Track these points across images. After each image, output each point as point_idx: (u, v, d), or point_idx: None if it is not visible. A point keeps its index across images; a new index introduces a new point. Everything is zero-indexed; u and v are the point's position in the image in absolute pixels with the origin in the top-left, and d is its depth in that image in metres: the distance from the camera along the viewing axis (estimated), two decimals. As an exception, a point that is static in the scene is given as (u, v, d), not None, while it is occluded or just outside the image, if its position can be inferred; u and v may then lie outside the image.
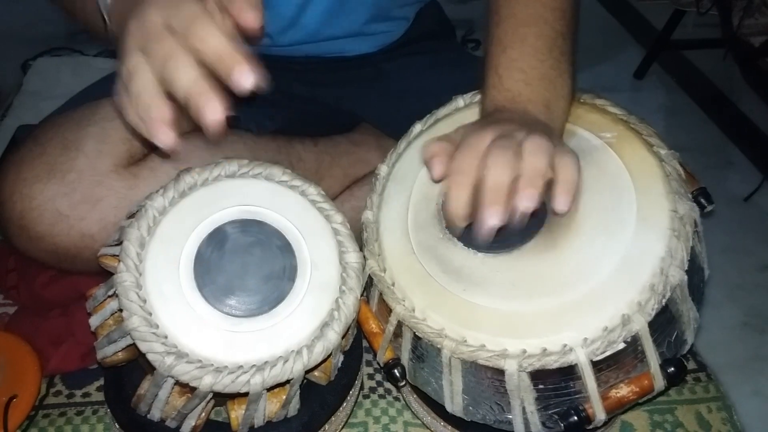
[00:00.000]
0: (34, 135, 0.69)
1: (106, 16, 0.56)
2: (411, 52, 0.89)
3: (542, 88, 0.58)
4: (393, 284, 0.57)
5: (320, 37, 0.82)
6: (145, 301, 0.52)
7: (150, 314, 0.52)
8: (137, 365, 0.57)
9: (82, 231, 0.66)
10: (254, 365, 0.52)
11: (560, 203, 0.50)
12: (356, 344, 0.66)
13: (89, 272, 0.68)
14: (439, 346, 0.53)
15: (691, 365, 0.79)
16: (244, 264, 0.56)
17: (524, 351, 0.50)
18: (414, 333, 0.55)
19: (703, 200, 0.57)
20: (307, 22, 0.80)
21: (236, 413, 0.57)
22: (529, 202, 0.48)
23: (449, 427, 0.64)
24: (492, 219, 0.49)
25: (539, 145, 0.50)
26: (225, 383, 0.51)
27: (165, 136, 0.46)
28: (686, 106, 1.60)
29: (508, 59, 0.59)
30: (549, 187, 0.53)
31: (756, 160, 1.41)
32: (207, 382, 0.50)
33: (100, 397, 0.74)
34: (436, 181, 0.55)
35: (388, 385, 0.76)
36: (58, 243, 0.66)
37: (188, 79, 0.45)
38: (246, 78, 0.45)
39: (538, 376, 0.51)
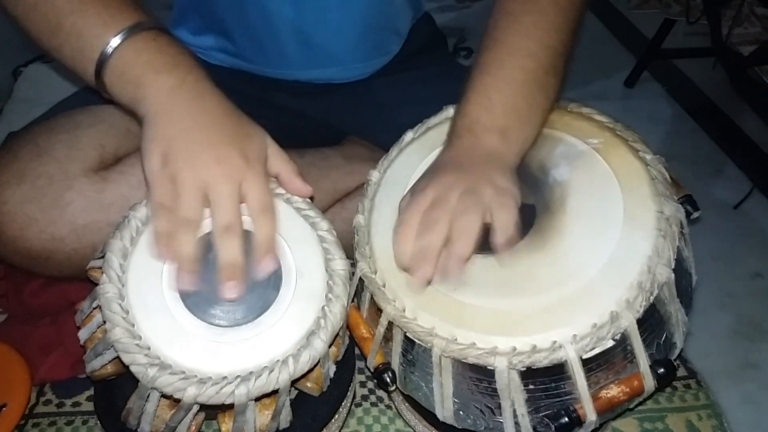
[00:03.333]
0: (8, 144, 0.70)
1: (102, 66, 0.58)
2: (402, 68, 0.90)
3: (503, 115, 0.58)
4: (384, 285, 0.57)
5: (311, 66, 0.83)
6: (127, 312, 0.52)
7: (133, 325, 0.52)
8: (127, 378, 0.57)
9: (53, 234, 0.66)
10: (239, 376, 0.51)
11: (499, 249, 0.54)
12: (348, 355, 0.65)
13: (62, 275, 0.70)
14: (429, 345, 0.53)
15: (681, 372, 0.79)
16: None
17: (514, 348, 0.51)
18: (404, 335, 0.55)
19: (689, 207, 0.58)
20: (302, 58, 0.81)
21: (227, 426, 0.56)
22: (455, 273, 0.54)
23: (442, 436, 0.64)
24: (421, 276, 0.54)
25: (466, 227, 0.53)
26: (209, 394, 0.50)
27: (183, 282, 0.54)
28: (676, 114, 1.61)
29: (480, 84, 0.60)
30: (539, 189, 0.55)
31: (746, 169, 1.41)
32: (191, 393, 0.50)
33: (90, 406, 0.73)
34: None
35: (380, 392, 0.75)
36: (29, 246, 0.66)
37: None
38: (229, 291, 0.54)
39: (528, 375, 0.52)
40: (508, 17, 0.63)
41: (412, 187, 0.60)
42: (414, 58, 0.91)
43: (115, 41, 0.57)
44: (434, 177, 0.57)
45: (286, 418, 0.58)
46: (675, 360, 0.56)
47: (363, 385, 0.76)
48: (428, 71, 0.90)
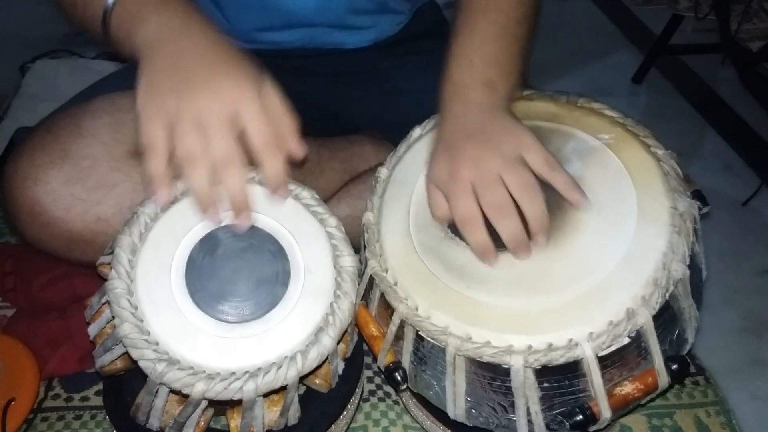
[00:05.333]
0: (45, 125, 0.69)
1: (107, 20, 0.60)
2: (407, 51, 0.90)
3: (485, 70, 0.61)
4: (395, 284, 0.57)
5: (313, 23, 0.83)
6: (136, 307, 0.52)
7: (141, 321, 0.52)
8: (136, 374, 0.57)
9: (98, 215, 0.66)
10: (247, 371, 0.51)
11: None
12: (357, 352, 0.66)
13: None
14: (443, 344, 0.53)
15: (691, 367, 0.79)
16: (236, 269, 0.55)
17: (530, 346, 0.51)
18: (416, 334, 0.55)
19: (698, 202, 0.57)
20: (298, 6, 0.80)
21: (236, 422, 0.56)
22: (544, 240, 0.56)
23: (448, 431, 0.64)
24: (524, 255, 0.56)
25: (525, 184, 0.55)
26: (217, 390, 0.50)
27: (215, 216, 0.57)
28: (684, 110, 1.60)
29: (457, 47, 0.63)
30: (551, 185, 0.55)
31: (754, 165, 1.41)
32: (199, 389, 0.50)
33: (98, 401, 0.74)
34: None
35: (387, 388, 0.76)
36: (72, 228, 0.66)
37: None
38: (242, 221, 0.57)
39: (543, 373, 0.52)
40: None
41: (429, 175, 0.60)
42: (419, 42, 0.91)
43: None
44: (455, 156, 0.58)
45: (294, 414, 0.58)
46: (686, 353, 0.56)
47: (370, 380, 0.77)
48: (433, 57, 0.89)
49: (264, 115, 0.56)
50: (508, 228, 0.55)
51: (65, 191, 0.65)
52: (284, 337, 0.54)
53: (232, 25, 0.84)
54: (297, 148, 0.58)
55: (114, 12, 0.59)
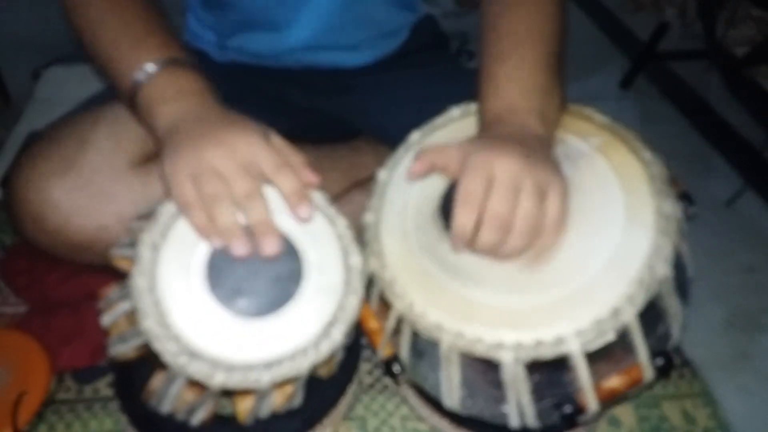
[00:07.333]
0: (48, 133, 0.71)
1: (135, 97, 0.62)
2: (407, 64, 0.92)
3: (537, 98, 0.61)
4: (393, 282, 0.59)
5: (315, 46, 0.85)
6: (158, 303, 0.54)
7: (163, 316, 0.54)
8: (146, 361, 0.59)
9: (99, 224, 0.67)
10: (263, 363, 0.54)
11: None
12: (354, 341, 0.68)
13: (100, 263, 0.70)
14: (437, 339, 0.55)
15: (676, 362, 0.81)
16: (253, 266, 0.57)
17: (519, 343, 0.52)
18: (413, 328, 0.58)
19: (685, 203, 0.59)
20: (299, 31, 0.83)
21: (242, 405, 0.59)
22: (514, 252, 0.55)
23: (446, 421, 0.66)
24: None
25: (534, 218, 0.55)
26: (236, 381, 0.53)
27: (243, 248, 0.56)
28: (671, 115, 1.61)
29: (506, 70, 0.62)
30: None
31: (738, 166, 1.43)
32: (218, 380, 0.52)
33: (108, 392, 0.75)
34: (413, 177, 0.61)
35: (386, 380, 0.78)
36: (73, 236, 0.68)
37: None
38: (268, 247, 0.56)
39: (533, 367, 0.53)
40: (506, 8, 0.66)
41: (466, 146, 0.59)
42: (418, 55, 0.93)
43: (140, 78, 0.62)
44: (499, 147, 0.56)
45: (298, 399, 0.61)
46: (672, 349, 0.58)
47: (370, 373, 0.79)
48: (433, 70, 0.92)
49: (269, 148, 0.58)
50: (490, 239, 0.54)
51: (66, 201, 0.66)
52: (298, 331, 0.56)
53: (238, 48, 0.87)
54: (310, 177, 0.60)
55: (141, 91, 0.62)
